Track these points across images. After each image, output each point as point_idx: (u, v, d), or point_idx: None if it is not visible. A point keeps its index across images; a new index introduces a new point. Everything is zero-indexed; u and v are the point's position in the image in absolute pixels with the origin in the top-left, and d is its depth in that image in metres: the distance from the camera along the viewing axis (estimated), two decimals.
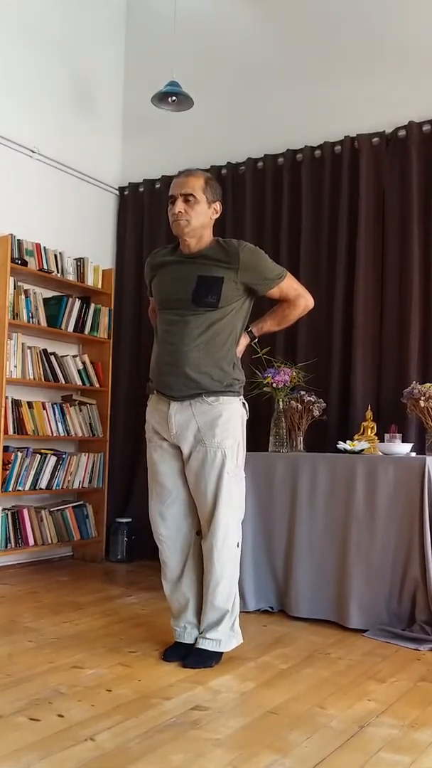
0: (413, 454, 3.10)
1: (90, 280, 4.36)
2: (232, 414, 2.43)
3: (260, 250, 2.50)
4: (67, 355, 4.29)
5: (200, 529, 2.50)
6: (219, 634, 2.41)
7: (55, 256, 4.18)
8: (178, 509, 2.50)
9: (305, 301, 2.60)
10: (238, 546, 2.46)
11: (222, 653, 2.43)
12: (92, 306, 4.35)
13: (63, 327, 4.13)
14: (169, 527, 2.50)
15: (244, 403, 2.51)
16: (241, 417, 2.48)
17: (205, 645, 2.40)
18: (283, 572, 3.12)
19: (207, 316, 2.40)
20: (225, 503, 2.38)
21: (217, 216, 2.51)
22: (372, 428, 3.43)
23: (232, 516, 2.42)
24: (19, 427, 3.88)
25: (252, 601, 3.12)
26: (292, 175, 4.07)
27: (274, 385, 3.39)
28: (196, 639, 2.46)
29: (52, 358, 4.14)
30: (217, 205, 2.50)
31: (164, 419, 2.44)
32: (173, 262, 2.52)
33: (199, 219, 2.43)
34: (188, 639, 2.49)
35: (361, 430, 3.46)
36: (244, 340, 2.57)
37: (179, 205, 2.41)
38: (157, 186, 4.64)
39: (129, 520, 4.35)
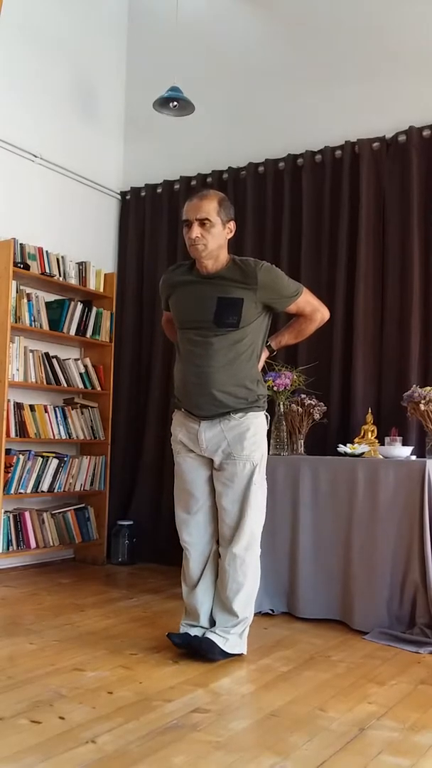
0: (413, 458, 3.11)
1: (92, 284, 4.38)
2: (258, 428, 2.51)
3: (276, 269, 2.55)
4: (68, 359, 4.30)
5: (218, 537, 2.57)
6: (229, 635, 2.48)
7: (58, 260, 4.19)
8: (203, 517, 2.57)
9: (321, 315, 2.67)
10: (259, 555, 2.54)
11: (226, 653, 2.46)
12: (94, 309, 4.37)
13: (65, 330, 4.15)
14: (192, 534, 2.57)
15: (266, 416, 2.59)
16: (265, 429, 2.57)
17: (213, 638, 2.45)
18: (287, 575, 3.13)
19: (229, 337, 2.46)
20: (252, 512, 2.47)
21: (231, 235, 2.55)
22: (372, 431, 3.43)
23: (258, 524, 2.51)
24: (21, 430, 3.89)
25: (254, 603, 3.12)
26: (292, 179, 4.09)
27: (275, 388, 3.39)
28: (206, 630, 2.52)
29: (54, 361, 4.15)
30: (232, 225, 2.54)
31: (194, 435, 2.52)
32: (191, 282, 2.55)
33: (215, 241, 2.47)
34: (195, 633, 2.55)
35: (362, 434, 3.46)
36: (264, 354, 2.64)
37: (195, 231, 2.44)
38: (159, 191, 4.65)
39: (130, 522, 4.36)
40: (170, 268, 2.70)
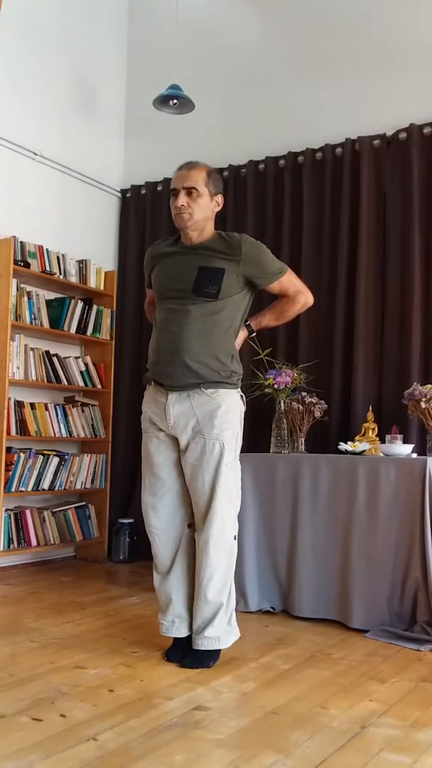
0: (414, 456, 3.11)
1: (92, 282, 4.38)
2: (230, 406, 2.43)
3: (262, 244, 2.51)
4: (69, 357, 4.30)
5: (192, 521, 2.49)
6: (216, 630, 2.38)
7: (58, 258, 4.19)
8: (170, 500, 2.48)
9: (305, 298, 2.60)
10: (234, 538, 2.44)
11: (220, 651, 2.41)
12: (94, 307, 4.37)
13: (65, 328, 4.14)
14: (161, 518, 2.48)
15: (242, 396, 2.52)
16: (239, 409, 2.48)
17: (204, 644, 2.38)
18: (286, 573, 3.13)
19: (207, 307, 2.40)
20: (222, 495, 2.37)
21: (219, 208, 2.52)
22: (373, 429, 3.43)
23: (229, 507, 2.41)
24: (22, 428, 3.89)
25: (254, 602, 3.13)
26: (293, 177, 4.09)
27: (276, 386, 3.39)
28: (192, 638, 2.42)
29: (55, 359, 4.15)
30: (219, 198, 2.51)
31: (162, 410, 2.44)
32: (174, 252, 2.52)
33: (201, 212, 2.44)
34: (177, 633, 2.47)
35: (363, 432, 3.46)
36: (243, 334, 2.57)
37: (182, 199, 2.42)
38: (159, 188, 4.65)
39: (131, 520, 4.36)
40: (155, 243, 2.66)
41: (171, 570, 2.49)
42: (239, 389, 2.50)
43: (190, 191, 2.42)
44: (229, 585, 2.43)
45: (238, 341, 2.54)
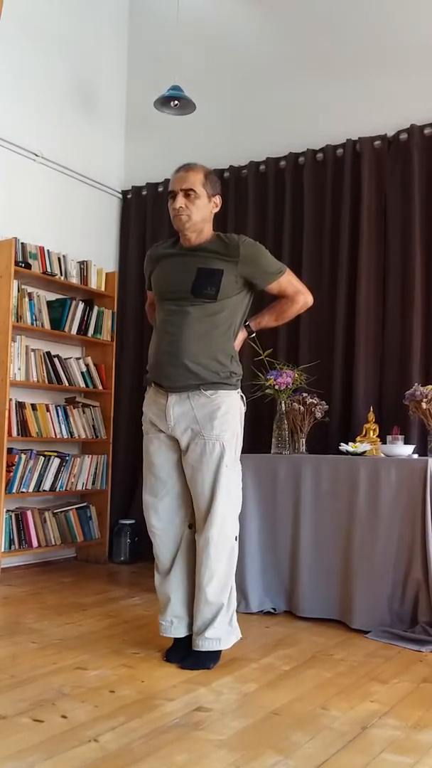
0: (415, 456, 3.11)
1: (93, 283, 4.38)
2: (230, 407, 2.43)
3: (260, 245, 2.52)
4: (70, 358, 4.30)
5: (193, 522, 2.49)
6: (217, 631, 2.38)
7: (59, 259, 4.19)
8: (171, 501, 2.49)
9: (304, 298, 2.60)
10: (235, 539, 2.45)
11: (221, 652, 2.41)
12: (95, 308, 4.37)
13: (66, 329, 4.15)
14: (161, 519, 2.49)
15: (242, 396, 2.52)
16: (239, 410, 2.49)
17: (204, 645, 2.37)
18: (288, 573, 3.13)
19: (206, 308, 2.41)
20: (223, 495, 2.38)
21: (217, 209, 2.53)
22: (374, 430, 3.43)
23: (230, 508, 2.42)
24: (23, 429, 3.89)
25: (255, 602, 3.13)
26: (294, 177, 4.09)
27: (276, 387, 3.39)
28: (192, 639, 2.42)
29: (56, 360, 4.15)
30: (217, 199, 2.52)
31: (162, 411, 2.45)
32: (173, 254, 2.53)
33: (199, 213, 2.45)
34: (176, 633, 2.47)
35: (363, 432, 3.46)
36: (242, 335, 2.57)
37: (180, 201, 2.43)
38: (160, 189, 4.65)
39: (132, 521, 4.36)
40: (154, 245, 2.67)
41: (171, 570, 2.49)
42: (239, 390, 2.51)
43: (187, 193, 2.43)
44: (229, 586, 2.43)
45: (238, 342, 2.54)
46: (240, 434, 2.48)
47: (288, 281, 2.56)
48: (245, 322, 2.58)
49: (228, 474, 2.40)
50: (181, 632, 2.47)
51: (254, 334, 2.66)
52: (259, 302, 2.68)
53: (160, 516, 2.49)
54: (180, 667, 2.37)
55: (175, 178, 2.48)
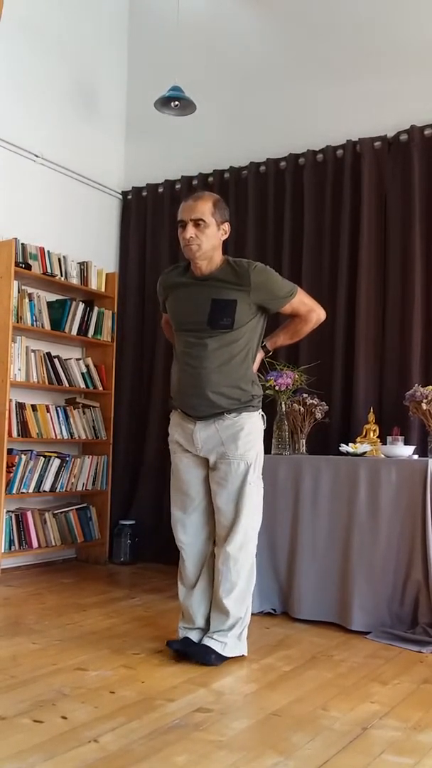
0: (415, 457, 3.11)
1: (93, 284, 4.38)
2: (252, 427, 2.51)
3: (270, 270, 2.55)
4: (70, 358, 4.30)
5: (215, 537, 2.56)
6: (226, 638, 2.45)
7: (59, 259, 4.19)
8: (198, 517, 2.57)
9: (317, 315, 2.65)
10: (254, 554, 2.53)
11: (223, 657, 2.44)
12: (96, 309, 4.37)
13: (66, 330, 4.15)
14: (188, 534, 2.57)
15: (262, 416, 2.59)
16: (260, 429, 2.57)
17: (210, 643, 2.44)
18: (287, 574, 3.13)
19: (223, 338, 2.46)
20: (246, 511, 2.46)
21: (226, 236, 2.56)
22: (374, 431, 3.43)
23: (253, 524, 2.51)
24: (23, 429, 3.89)
25: (255, 603, 3.11)
26: (294, 178, 4.09)
27: (277, 387, 3.39)
28: (202, 638, 2.49)
29: (56, 361, 4.15)
30: (226, 226, 2.55)
31: (189, 435, 2.52)
32: (186, 284, 2.56)
33: (209, 242, 2.48)
34: (191, 636, 2.54)
35: (364, 433, 3.46)
36: (260, 356, 2.64)
37: (190, 231, 2.46)
38: (160, 190, 4.65)
39: (132, 522, 4.36)
40: (166, 271, 2.71)
41: (196, 585, 2.57)
42: (260, 410, 2.58)
43: (197, 223, 2.46)
44: (247, 601, 2.52)
45: (256, 363, 2.61)
46: (261, 452, 2.56)
47: (300, 301, 2.60)
48: (262, 342, 2.64)
49: (251, 491, 2.48)
50: (195, 638, 2.53)
51: (271, 353, 2.74)
52: (275, 318, 2.73)
53: (188, 531, 2.57)
54: (179, 651, 2.42)
55: (184, 208, 2.50)
